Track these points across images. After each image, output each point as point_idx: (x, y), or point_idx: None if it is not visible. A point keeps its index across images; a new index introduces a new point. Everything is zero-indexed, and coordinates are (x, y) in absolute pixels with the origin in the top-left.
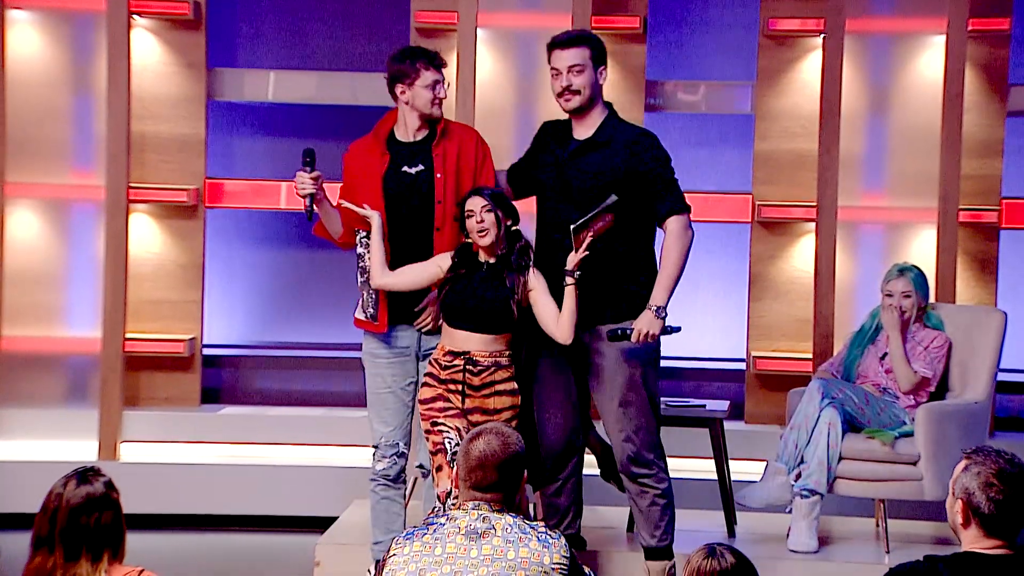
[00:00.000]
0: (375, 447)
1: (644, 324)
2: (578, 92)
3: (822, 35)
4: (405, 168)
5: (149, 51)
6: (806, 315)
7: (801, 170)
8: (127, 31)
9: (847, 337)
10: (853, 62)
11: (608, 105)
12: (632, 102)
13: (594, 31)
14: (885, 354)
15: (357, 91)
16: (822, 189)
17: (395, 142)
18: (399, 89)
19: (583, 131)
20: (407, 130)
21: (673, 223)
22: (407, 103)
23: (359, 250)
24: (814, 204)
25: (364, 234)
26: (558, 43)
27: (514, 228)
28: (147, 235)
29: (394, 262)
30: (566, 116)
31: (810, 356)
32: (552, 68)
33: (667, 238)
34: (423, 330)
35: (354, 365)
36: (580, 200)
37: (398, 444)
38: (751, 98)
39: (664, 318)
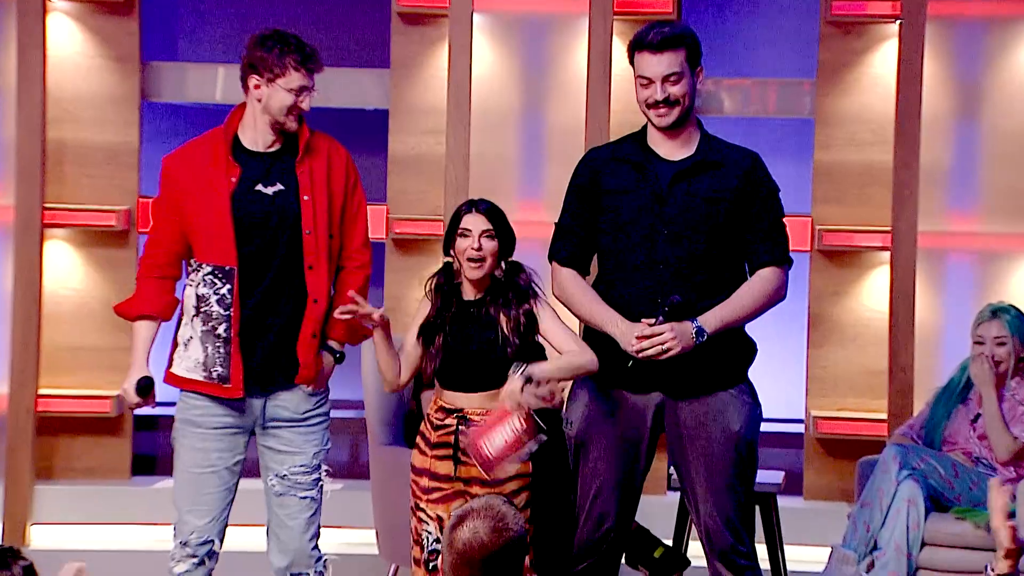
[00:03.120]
0: (182, 543)
1: (680, 336)
2: (677, 104)
3: (898, 20)
4: (260, 187)
5: (69, 40)
6: (879, 366)
7: (872, 186)
8: (42, 16)
9: (931, 394)
10: (936, 53)
11: (698, 120)
12: None
13: (617, 16)
14: (978, 415)
15: (328, 90)
16: (898, 210)
17: (243, 152)
18: (254, 81)
19: (677, 149)
20: (256, 137)
21: (768, 272)
22: (259, 101)
23: (201, 289)
24: (888, 229)
25: (209, 270)
26: (647, 45)
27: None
28: (66, 266)
29: (253, 310)
30: (610, 135)
31: (884, 417)
32: (640, 77)
33: (755, 280)
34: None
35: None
36: (689, 229)
37: (212, 542)
38: (810, 98)
39: (699, 345)
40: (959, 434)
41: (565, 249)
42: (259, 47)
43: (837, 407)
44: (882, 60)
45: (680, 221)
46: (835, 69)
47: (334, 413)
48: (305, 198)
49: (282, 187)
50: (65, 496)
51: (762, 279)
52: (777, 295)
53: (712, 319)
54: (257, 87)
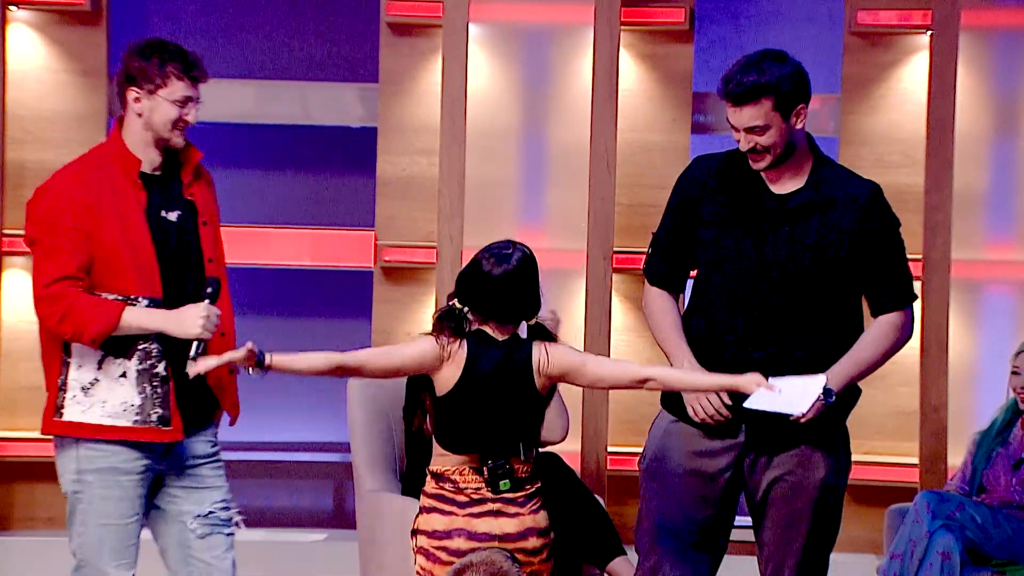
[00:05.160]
0: None
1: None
2: (766, 152)
3: (929, 31)
4: (164, 213)
5: (30, 53)
6: (909, 406)
7: (901, 211)
8: (2, 26)
9: (971, 438)
10: (971, 67)
11: (811, 142)
12: (675, 120)
13: (624, 27)
14: (1020, 461)
15: (309, 106)
16: (930, 237)
17: (141, 174)
18: (133, 94)
19: (787, 180)
20: (146, 158)
21: (893, 317)
22: (140, 115)
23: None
24: (919, 257)
25: (146, 303)
26: (726, 95)
27: None
28: (26, 298)
29: (180, 345)
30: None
31: (915, 461)
32: (728, 120)
33: (876, 327)
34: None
35: (307, 472)
36: (794, 275)
37: None
38: (834, 116)
39: (828, 406)
40: (999, 480)
41: (656, 268)
42: (137, 57)
43: (864, 451)
44: (912, 74)
45: (784, 265)
46: (861, 84)
47: (316, 456)
48: (204, 223)
49: (180, 212)
50: (25, 549)
51: (888, 326)
52: (903, 340)
53: (838, 378)
54: (137, 100)
